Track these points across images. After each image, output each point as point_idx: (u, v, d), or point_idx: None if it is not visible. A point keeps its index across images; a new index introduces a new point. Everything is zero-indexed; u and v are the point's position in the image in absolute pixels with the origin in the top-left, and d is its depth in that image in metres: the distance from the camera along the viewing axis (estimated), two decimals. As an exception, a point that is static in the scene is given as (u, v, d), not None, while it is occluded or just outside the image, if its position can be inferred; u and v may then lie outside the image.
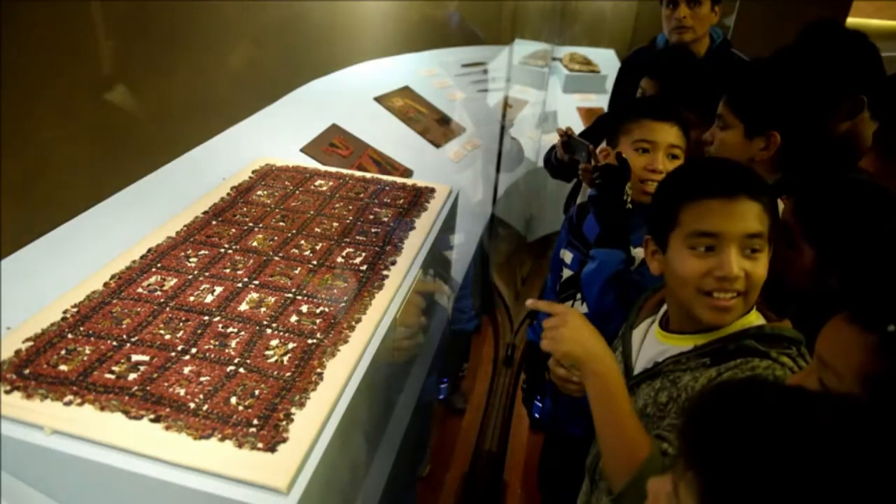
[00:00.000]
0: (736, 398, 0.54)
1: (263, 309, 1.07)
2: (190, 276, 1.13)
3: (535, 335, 1.70)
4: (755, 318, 0.94)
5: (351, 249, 1.28)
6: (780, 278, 1.10)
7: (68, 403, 0.84)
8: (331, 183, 1.58)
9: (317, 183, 1.57)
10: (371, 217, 1.42)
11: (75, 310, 1.01)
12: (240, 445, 0.80)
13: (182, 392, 0.87)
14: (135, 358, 0.93)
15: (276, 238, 1.29)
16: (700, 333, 0.94)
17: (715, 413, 0.53)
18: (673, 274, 0.94)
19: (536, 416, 1.92)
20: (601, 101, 3.14)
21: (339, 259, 1.24)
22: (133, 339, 0.97)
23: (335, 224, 1.38)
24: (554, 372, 1.03)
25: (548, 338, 0.94)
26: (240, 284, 1.13)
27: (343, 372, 0.95)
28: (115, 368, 0.90)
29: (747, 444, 0.48)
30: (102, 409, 0.84)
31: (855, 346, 0.77)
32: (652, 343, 1.03)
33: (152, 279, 1.11)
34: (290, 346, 0.99)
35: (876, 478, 0.44)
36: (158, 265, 1.16)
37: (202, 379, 0.90)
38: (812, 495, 0.44)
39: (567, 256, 1.57)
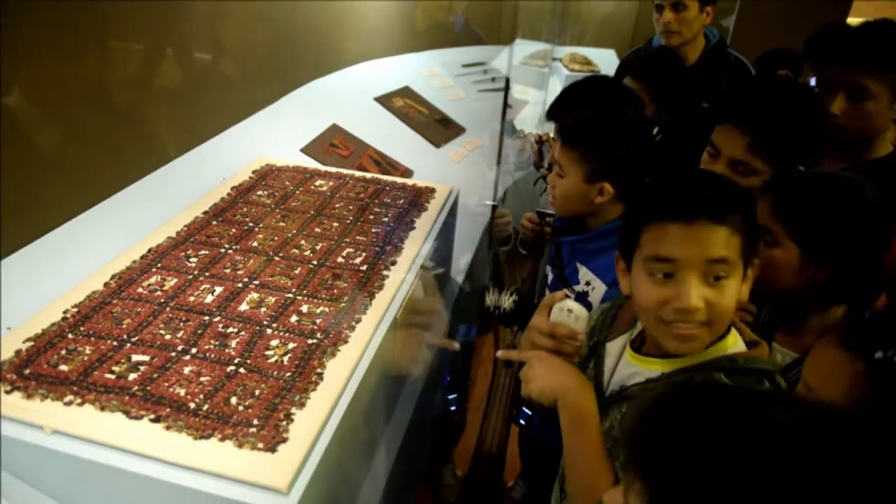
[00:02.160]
0: (680, 403, 0.52)
1: (264, 309, 1.07)
2: (190, 276, 1.13)
3: None
4: (733, 342, 0.89)
5: (351, 249, 1.28)
6: (770, 279, 1.10)
7: (69, 403, 0.84)
8: (331, 183, 1.58)
9: (317, 183, 1.57)
10: (371, 217, 1.42)
11: (76, 310, 1.02)
12: (240, 445, 0.80)
13: (182, 392, 0.87)
14: (135, 358, 0.93)
15: (276, 238, 1.29)
16: (671, 358, 0.90)
17: (660, 420, 0.51)
18: (635, 298, 0.90)
19: (522, 422, 1.93)
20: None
21: (340, 259, 1.24)
22: (133, 339, 0.97)
23: (335, 224, 1.38)
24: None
25: (524, 383, 0.95)
26: (240, 284, 1.13)
27: (343, 372, 0.95)
28: (116, 368, 0.91)
29: (695, 450, 0.46)
30: (103, 409, 0.84)
31: (842, 373, 0.77)
32: (625, 363, 1.00)
33: (153, 279, 1.12)
34: (291, 346, 0.99)
35: (834, 480, 0.43)
36: (159, 265, 1.16)
37: (202, 379, 0.90)
38: (765, 500, 0.43)
39: (549, 275, 1.57)
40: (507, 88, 2.17)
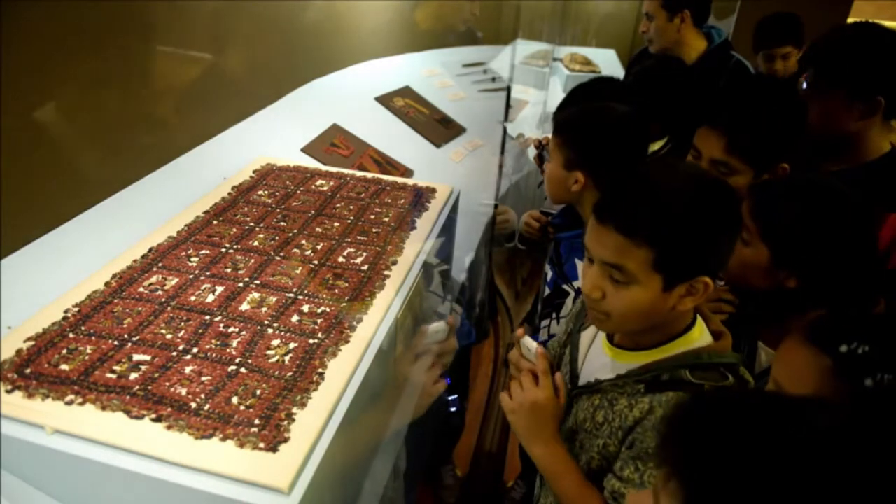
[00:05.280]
0: (719, 405, 0.53)
1: (265, 309, 1.06)
2: (191, 276, 1.13)
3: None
4: (698, 336, 0.92)
5: (352, 249, 1.28)
6: (740, 277, 1.10)
7: (69, 403, 0.84)
8: (332, 183, 1.57)
9: (318, 183, 1.57)
10: (372, 217, 1.42)
11: (76, 309, 1.01)
12: (241, 445, 0.80)
13: (183, 392, 0.87)
14: (136, 357, 0.93)
15: (277, 238, 1.29)
16: (641, 351, 0.93)
17: (698, 421, 0.52)
18: None
19: None
20: (601, 102, 3.14)
21: (341, 259, 1.24)
22: (134, 339, 0.97)
23: (336, 224, 1.37)
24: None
25: (511, 395, 0.99)
26: (241, 284, 1.13)
27: (345, 372, 0.94)
28: (117, 368, 0.90)
29: (734, 450, 0.47)
30: (104, 408, 0.83)
31: (810, 370, 0.78)
32: (597, 352, 1.02)
33: (153, 279, 1.11)
34: (292, 345, 0.98)
35: (870, 483, 0.43)
36: (159, 265, 1.16)
37: (203, 379, 0.90)
38: (805, 500, 0.43)
39: (548, 273, 1.57)
40: (508, 91, 2.18)
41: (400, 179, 1.64)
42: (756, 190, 1.11)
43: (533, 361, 1.00)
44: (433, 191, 1.58)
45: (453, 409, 1.95)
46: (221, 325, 1.02)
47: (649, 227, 0.82)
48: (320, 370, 0.94)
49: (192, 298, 1.07)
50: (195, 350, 0.96)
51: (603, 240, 0.85)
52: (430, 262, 1.35)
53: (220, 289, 1.10)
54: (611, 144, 1.32)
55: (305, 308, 1.08)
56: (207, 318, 1.03)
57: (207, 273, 1.15)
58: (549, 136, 1.69)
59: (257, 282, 1.14)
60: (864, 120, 1.36)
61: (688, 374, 0.87)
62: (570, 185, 1.34)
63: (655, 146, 1.86)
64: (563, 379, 1.02)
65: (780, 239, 1.04)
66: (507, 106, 2.04)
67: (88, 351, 0.93)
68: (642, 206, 0.83)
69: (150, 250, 1.19)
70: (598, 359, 1.00)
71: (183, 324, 1.01)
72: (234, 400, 0.87)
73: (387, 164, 2.03)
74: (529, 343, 1.01)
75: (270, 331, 1.01)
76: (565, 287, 1.45)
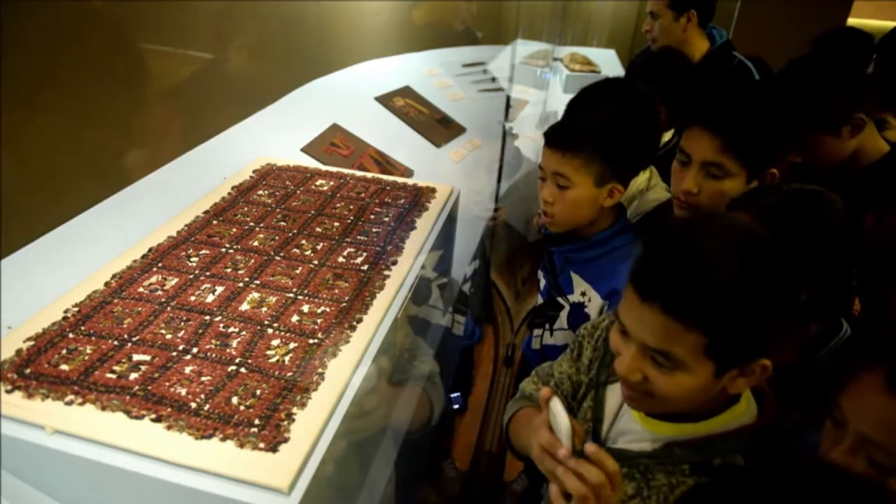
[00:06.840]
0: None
1: (265, 309, 1.06)
2: (191, 276, 1.13)
3: (529, 350, 1.64)
4: (744, 409, 0.83)
5: (352, 249, 1.28)
6: None
7: (69, 403, 0.84)
8: (332, 183, 1.57)
9: (318, 182, 1.57)
10: (372, 217, 1.42)
11: (76, 309, 1.01)
12: (241, 445, 0.80)
13: (183, 392, 0.87)
14: (136, 357, 0.93)
15: (277, 238, 1.29)
16: (681, 423, 0.83)
17: None
18: None
19: None
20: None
21: (341, 259, 1.24)
22: (134, 339, 0.97)
23: (336, 224, 1.37)
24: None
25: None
26: (241, 284, 1.13)
27: (344, 372, 0.95)
28: (117, 368, 0.90)
29: None
30: (104, 408, 0.83)
31: None
32: (627, 416, 0.91)
33: (153, 279, 1.11)
34: (292, 345, 0.98)
35: None
36: (159, 265, 1.16)
37: (203, 379, 0.90)
38: None
39: (541, 281, 1.54)
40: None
41: (400, 179, 1.63)
42: (752, 202, 1.06)
43: (558, 436, 0.85)
44: (433, 191, 1.58)
45: (456, 407, 1.94)
46: (221, 325, 1.02)
47: (704, 310, 0.70)
48: (320, 370, 0.94)
49: (192, 298, 1.07)
50: (195, 350, 0.96)
51: (646, 321, 0.74)
52: (428, 277, 1.33)
53: (220, 289, 1.10)
54: (650, 145, 1.28)
55: (305, 308, 1.08)
56: (207, 318, 1.03)
57: (207, 273, 1.15)
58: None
59: (257, 282, 1.14)
60: (854, 137, 1.38)
61: (741, 459, 0.79)
62: (603, 200, 1.25)
63: (664, 137, 1.85)
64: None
65: (797, 252, 1.02)
66: (507, 106, 2.03)
67: (88, 351, 0.93)
68: (694, 283, 0.70)
69: (149, 250, 1.19)
70: (628, 425, 0.89)
71: (183, 324, 1.01)
72: (234, 400, 0.87)
73: (387, 164, 2.03)
74: (557, 410, 0.85)
75: (270, 331, 1.01)
76: (560, 300, 1.42)
